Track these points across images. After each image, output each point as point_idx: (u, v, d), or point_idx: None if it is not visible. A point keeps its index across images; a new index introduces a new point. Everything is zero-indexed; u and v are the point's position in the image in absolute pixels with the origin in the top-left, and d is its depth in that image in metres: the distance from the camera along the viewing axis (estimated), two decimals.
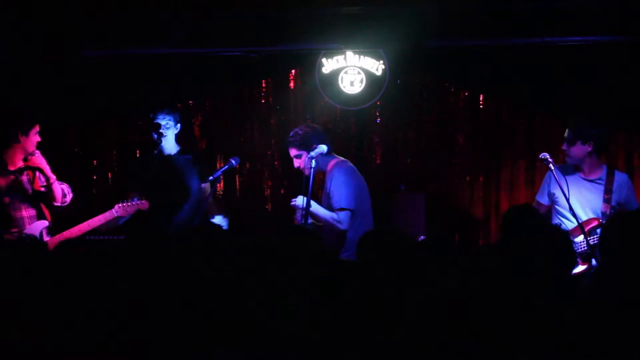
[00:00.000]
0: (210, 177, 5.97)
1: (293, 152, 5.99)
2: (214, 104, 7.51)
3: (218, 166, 7.16)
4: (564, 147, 5.86)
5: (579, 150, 5.82)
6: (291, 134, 6.01)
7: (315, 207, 5.78)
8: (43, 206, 6.19)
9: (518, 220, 4.33)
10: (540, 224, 4.41)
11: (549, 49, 6.61)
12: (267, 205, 7.47)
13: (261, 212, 7.42)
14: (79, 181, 7.52)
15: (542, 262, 3.31)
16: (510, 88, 6.97)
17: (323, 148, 6.02)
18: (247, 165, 7.46)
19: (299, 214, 5.78)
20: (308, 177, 5.73)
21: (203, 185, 6.23)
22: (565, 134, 5.85)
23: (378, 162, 7.36)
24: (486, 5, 6.18)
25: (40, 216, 6.12)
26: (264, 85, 7.44)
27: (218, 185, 7.19)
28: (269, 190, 7.49)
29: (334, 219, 5.83)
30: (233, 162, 6.13)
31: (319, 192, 7.34)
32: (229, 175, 7.37)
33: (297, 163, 6.01)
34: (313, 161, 5.81)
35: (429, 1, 6.15)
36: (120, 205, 6.13)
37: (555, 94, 6.78)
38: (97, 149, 7.54)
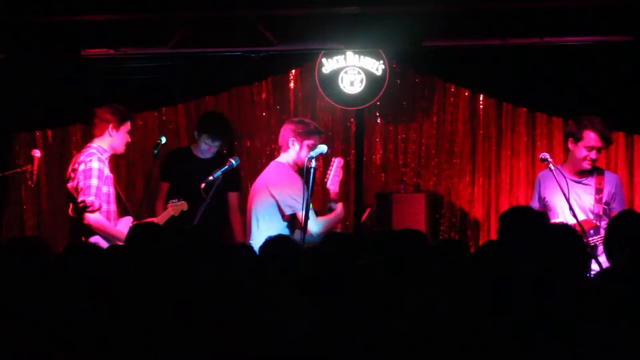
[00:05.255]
0: (210, 177, 5.97)
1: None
2: (214, 104, 7.50)
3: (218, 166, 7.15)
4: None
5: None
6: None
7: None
8: (125, 201, 6.25)
9: (518, 220, 4.30)
10: (544, 222, 4.40)
11: (549, 49, 6.60)
12: None
13: None
14: None
15: (550, 260, 3.31)
16: (510, 88, 6.96)
17: (323, 148, 6.01)
18: (247, 165, 7.46)
19: None
20: (308, 177, 5.72)
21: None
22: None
23: (378, 162, 7.36)
24: (486, 5, 6.18)
25: (123, 212, 6.17)
26: (264, 85, 7.43)
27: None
28: None
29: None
30: (233, 162, 6.14)
31: (318, 192, 7.37)
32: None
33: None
34: (313, 161, 5.80)
35: (429, 1, 6.15)
36: (172, 204, 6.22)
37: (556, 94, 6.77)
38: None
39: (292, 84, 7.41)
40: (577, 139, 5.82)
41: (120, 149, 6.22)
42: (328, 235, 4.38)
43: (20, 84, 7.06)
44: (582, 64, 6.61)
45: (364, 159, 7.29)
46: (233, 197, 6.94)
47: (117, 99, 7.19)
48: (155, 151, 6.43)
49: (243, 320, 3.25)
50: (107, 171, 6.06)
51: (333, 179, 5.99)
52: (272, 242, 4.04)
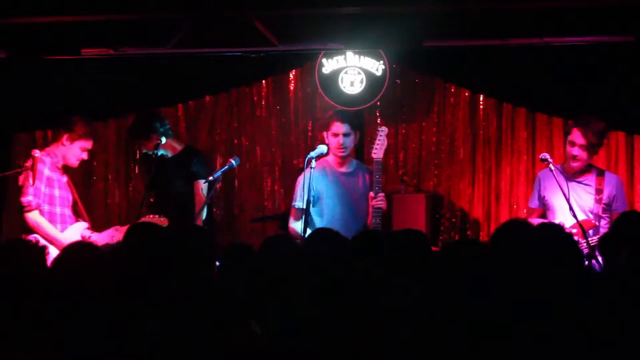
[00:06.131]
0: (211, 177, 5.97)
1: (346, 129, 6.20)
2: (214, 104, 7.50)
3: (218, 166, 7.15)
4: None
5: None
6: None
7: None
8: (81, 207, 6.24)
9: (515, 231, 4.27)
10: (539, 228, 4.37)
11: (549, 49, 6.60)
12: (267, 205, 7.46)
13: (261, 212, 7.41)
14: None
15: (545, 261, 3.31)
16: (510, 88, 6.96)
17: (323, 148, 6.01)
18: (247, 165, 7.46)
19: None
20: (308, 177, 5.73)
21: (202, 184, 6.21)
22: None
23: None
24: (486, 5, 6.17)
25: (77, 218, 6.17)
26: (264, 85, 7.43)
27: (218, 185, 7.19)
28: (268, 190, 7.48)
29: None
30: (233, 162, 6.14)
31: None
32: (229, 175, 7.37)
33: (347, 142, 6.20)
34: (313, 161, 5.80)
35: (429, 1, 6.15)
36: (148, 217, 6.14)
37: (555, 94, 6.77)
38: (97, 150, 7.53)
39: (292, 84, 7.41)
40: (566, 134, 5.91)
41: (72, 162, 6.23)
42: (327, 235, 4.37)
43: (20, 84, 7.07)
44: (582, 64, 6.62)
45: (364, 158, 7.29)
46: (198, 186, 6.72)
47: (116, 98, 7.23)
48: (156, 152, 6.42)
49: (243, 320, 3.25)
50: (47, 172, 6.04)
51: (378, 147, 6.12)
52: (270, 242, 4.04)
